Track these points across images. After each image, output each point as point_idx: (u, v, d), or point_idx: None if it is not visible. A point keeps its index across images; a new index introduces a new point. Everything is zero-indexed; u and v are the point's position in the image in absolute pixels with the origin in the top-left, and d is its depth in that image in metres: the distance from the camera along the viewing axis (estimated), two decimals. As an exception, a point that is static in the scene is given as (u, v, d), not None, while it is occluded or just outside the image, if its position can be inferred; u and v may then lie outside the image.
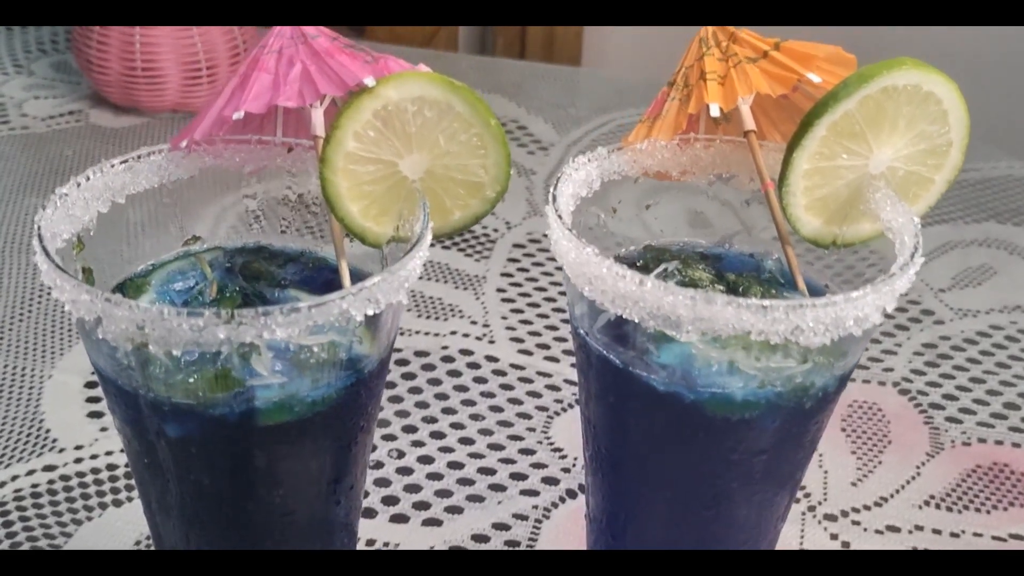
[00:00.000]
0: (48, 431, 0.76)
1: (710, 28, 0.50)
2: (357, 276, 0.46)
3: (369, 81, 0.44)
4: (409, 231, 0.46)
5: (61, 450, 0.74)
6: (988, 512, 0.74)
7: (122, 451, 0.74)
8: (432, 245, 0.43)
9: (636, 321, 0.41)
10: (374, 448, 0.76)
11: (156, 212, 0.48)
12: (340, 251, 0.46)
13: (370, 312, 0.40)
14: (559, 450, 0.77)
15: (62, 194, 0.44)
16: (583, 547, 0.68)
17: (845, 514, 0.73)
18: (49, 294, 0.89)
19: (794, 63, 0.48)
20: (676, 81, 0.49)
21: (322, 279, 0.49)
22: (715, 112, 0.46)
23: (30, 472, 0.73)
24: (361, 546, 0.69)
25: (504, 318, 0.90)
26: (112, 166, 0.46)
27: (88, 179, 0.45)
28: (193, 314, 0.38)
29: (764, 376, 0.43)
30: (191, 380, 0.41)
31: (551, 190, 0.46)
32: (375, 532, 0.70)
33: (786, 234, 0.48)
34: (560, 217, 0.44)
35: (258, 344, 0.39)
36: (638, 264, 0.49)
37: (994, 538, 0.72)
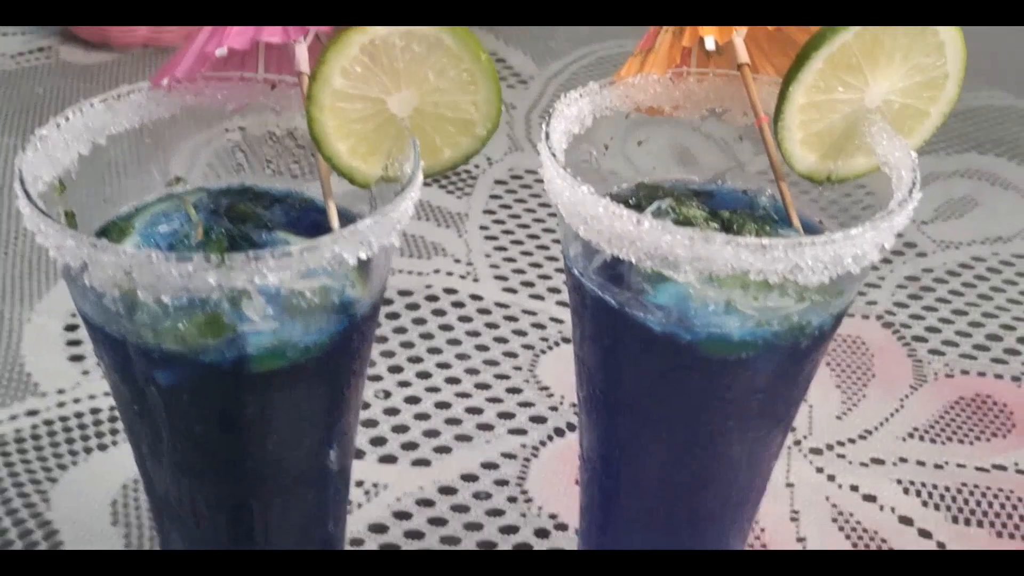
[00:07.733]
0: (29, 375, 0.75)
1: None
2: (345, 216, 0.45)
3: (356, 15, 0.42)
4: (398, 171, 0.45)
5: (43, 394, 0.74)
6: (971, 443, 0.75)
7: (106, 394, 0.74)
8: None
9: (633, 261, 0.40)
10: (360, 388, 0.76)
11: (138, 152, 0.47)
12: (328, 191, 0.45)
13: (363, 255, 0.39)
14: (546, 388, 0.77)
15: (42, 135, 0.43)
16: (572, 485, 0.68)
17: (830, 447, 0.74)
18: (25, 236, 0.88)
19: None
20: (669, 14, 0.48)
21: (309, 220, 0.48)
22: (710, 45, 0.45)
23: (12, 417, 0.72)
24: (351, 488, 0.69)
25: (487, 256, 0.89)
26: (91, 105, 0.45)
27: (68, 119, 0.44)
28: (182, 259, 0.37)
29: (761, 315, 0.42)
30: (180, 327, 0.40)
31: (544, 127, 0.45)
32: (364, 473, 0.70)
33: (780, 170, 0.47)
34: (554, 155, 0.43)
35: (249, 289, 0.38)
36: (631, 202, 0.48)
37: (977, 468, 0.73)
